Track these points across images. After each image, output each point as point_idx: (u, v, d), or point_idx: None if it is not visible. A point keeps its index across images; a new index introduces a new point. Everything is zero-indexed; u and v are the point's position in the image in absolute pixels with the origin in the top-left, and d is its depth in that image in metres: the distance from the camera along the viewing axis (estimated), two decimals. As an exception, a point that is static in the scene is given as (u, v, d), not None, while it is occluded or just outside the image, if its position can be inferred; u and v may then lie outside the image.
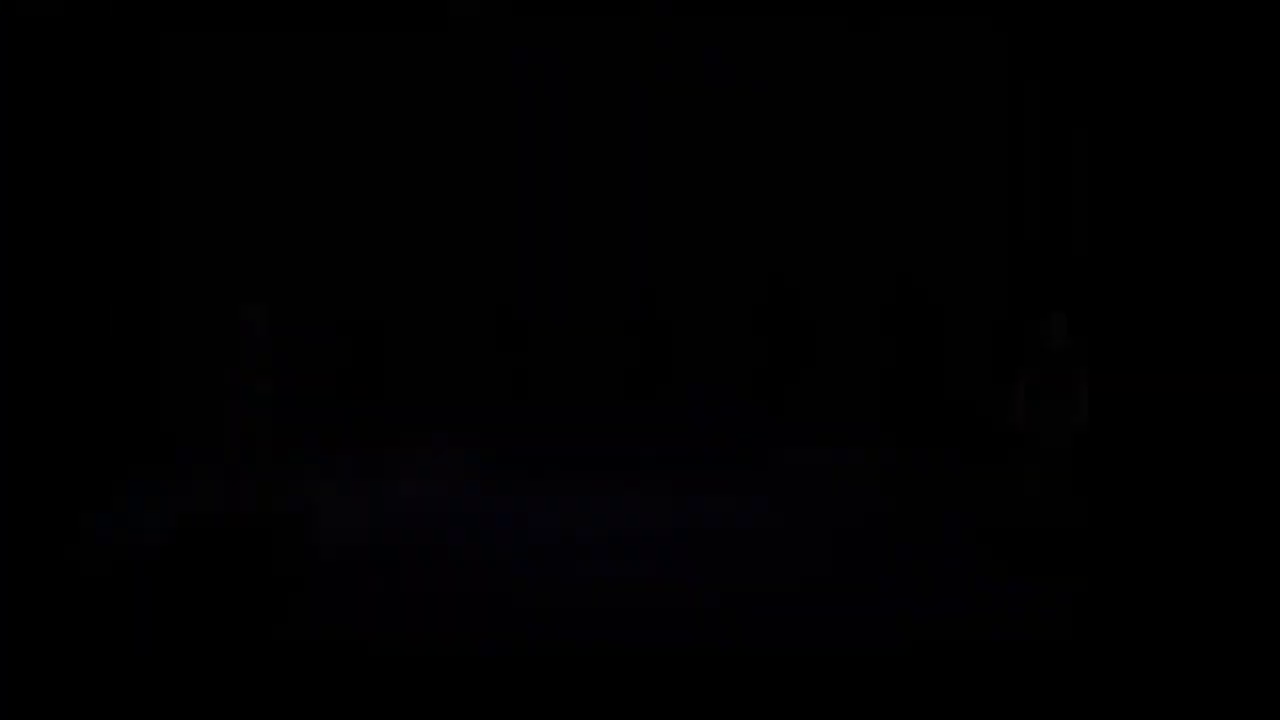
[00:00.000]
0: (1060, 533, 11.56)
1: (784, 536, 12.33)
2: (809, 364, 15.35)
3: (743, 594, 10.92)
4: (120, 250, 14.04)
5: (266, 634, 8.62)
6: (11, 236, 12.97)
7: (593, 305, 15.48)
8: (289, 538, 11.41)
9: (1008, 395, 11.78)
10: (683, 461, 14.38)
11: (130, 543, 11.95)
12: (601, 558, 11.77)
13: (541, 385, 15.57)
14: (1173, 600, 10.63)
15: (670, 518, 12.85)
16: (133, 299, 14.44)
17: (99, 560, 11.65)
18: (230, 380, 11.96)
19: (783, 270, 15.21)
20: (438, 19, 14.70)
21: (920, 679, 9.36)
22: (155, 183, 14.90)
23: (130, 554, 11.74)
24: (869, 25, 14.26)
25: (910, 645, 9.82)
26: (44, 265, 13.13)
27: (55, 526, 11.91)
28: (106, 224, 13.94)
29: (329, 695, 9.04)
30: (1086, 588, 10.90)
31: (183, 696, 8.66)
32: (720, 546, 12.13)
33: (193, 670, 8.66)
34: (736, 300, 15.49)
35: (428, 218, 15.55)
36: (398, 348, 15.30)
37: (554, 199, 15.62)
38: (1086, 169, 14.86)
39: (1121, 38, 14.48)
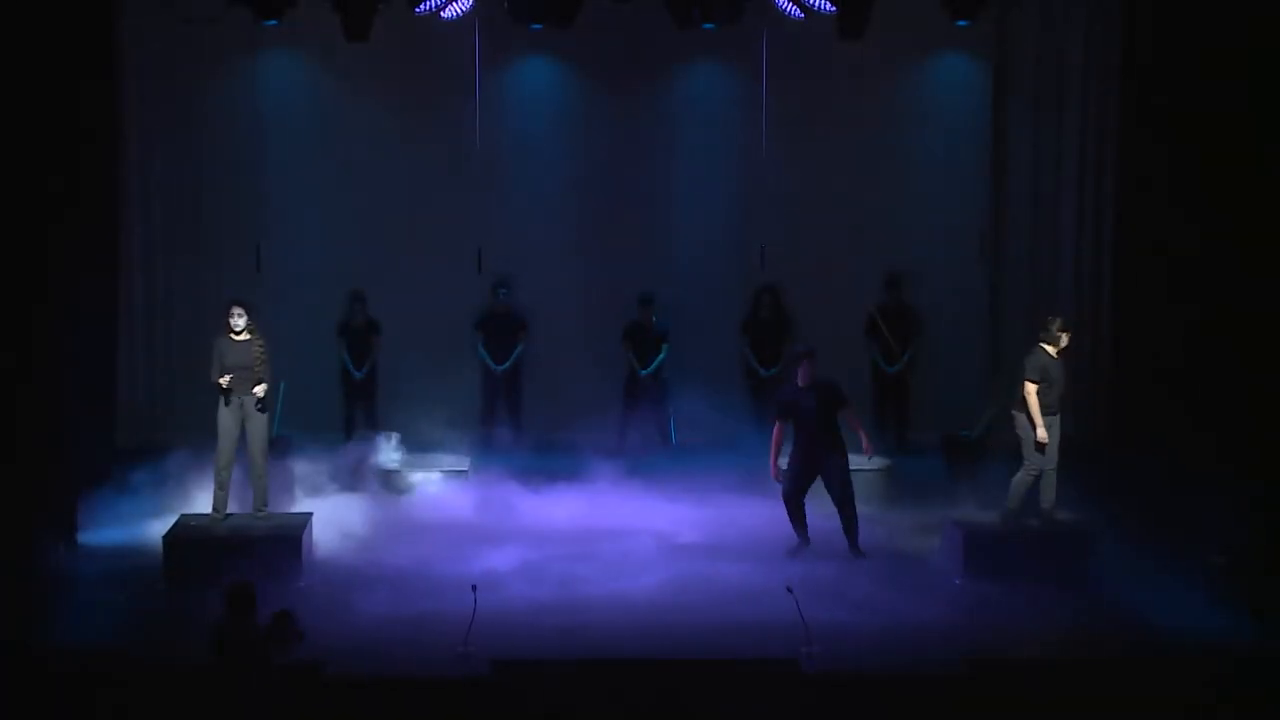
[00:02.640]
0: (1047, 540, 11.62)
1: (780, 539, 12.37)
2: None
3: (738, 597, 10.98)
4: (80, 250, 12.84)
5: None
6: None
7: (590, 308, 15.49)
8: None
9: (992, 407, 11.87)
10: (676, 464, 14.35)
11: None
12: (599, 561, 11.79)
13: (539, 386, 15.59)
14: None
15: (664, 521, 12.86)
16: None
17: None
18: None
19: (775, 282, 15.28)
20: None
21: (919, 684, 9.48)
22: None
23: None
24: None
25: (906, 652, 9.92)
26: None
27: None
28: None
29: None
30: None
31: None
32: (716, 549, 12.19)
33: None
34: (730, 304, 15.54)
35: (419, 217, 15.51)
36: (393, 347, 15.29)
37: (552, 199, 15.62)
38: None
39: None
